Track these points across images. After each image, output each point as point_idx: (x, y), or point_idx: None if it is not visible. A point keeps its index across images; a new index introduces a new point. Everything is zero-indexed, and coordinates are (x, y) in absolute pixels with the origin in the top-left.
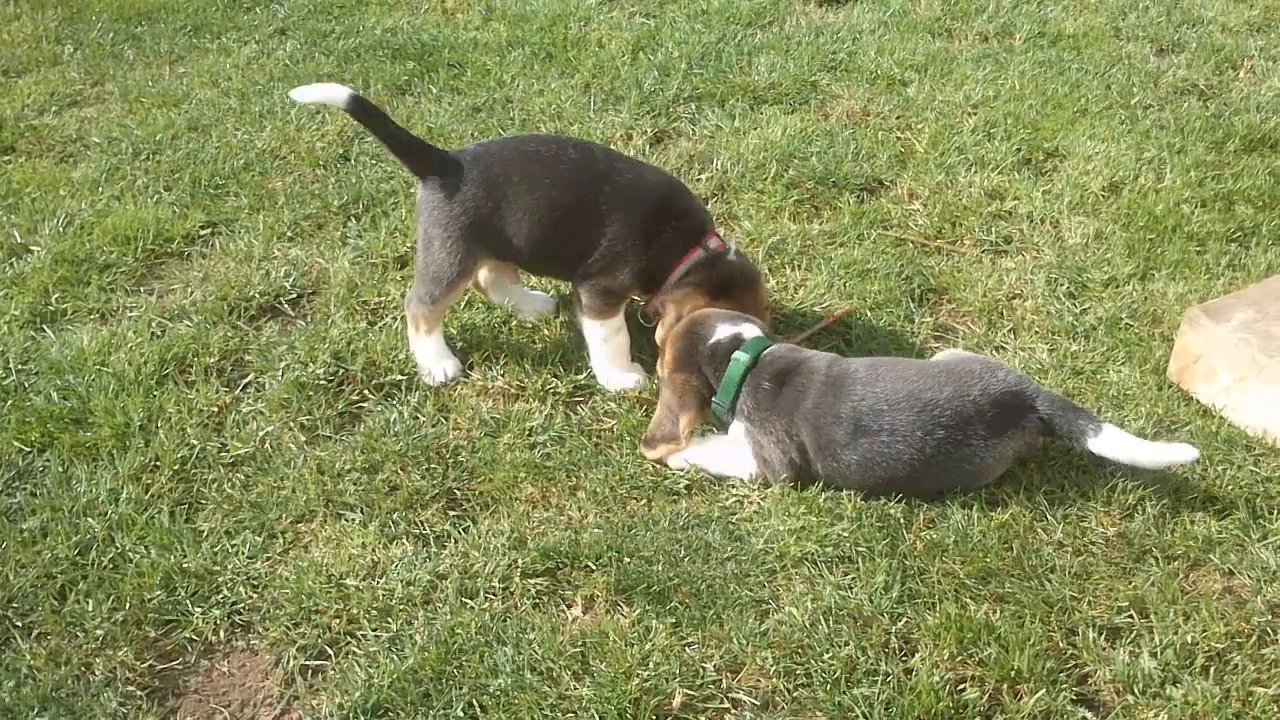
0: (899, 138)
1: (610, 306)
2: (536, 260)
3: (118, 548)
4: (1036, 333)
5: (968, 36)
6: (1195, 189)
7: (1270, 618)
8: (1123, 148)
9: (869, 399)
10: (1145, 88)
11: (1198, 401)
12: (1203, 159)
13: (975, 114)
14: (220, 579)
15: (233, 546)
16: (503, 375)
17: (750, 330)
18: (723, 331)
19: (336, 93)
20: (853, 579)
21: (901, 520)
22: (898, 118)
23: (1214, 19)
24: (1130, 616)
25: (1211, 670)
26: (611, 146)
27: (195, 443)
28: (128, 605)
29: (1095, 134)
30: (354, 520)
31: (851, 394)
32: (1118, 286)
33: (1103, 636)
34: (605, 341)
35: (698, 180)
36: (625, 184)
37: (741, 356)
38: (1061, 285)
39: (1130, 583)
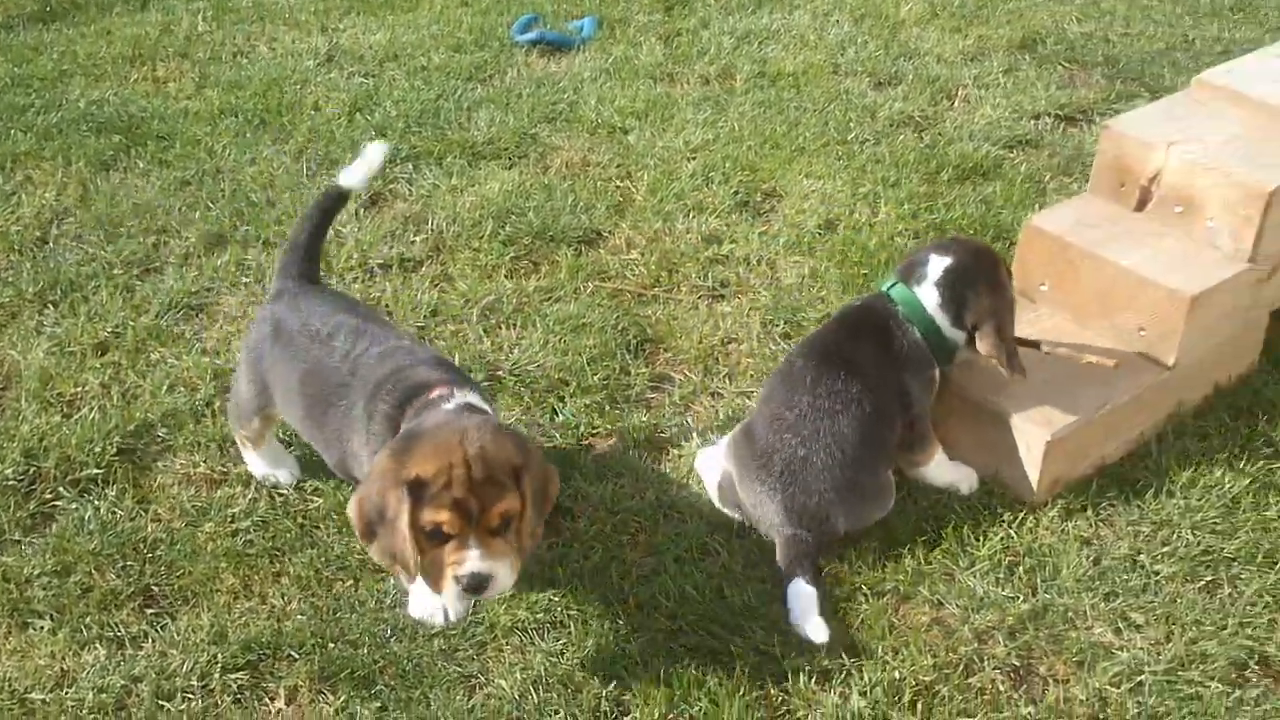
0: (618, 187)
1: None
2: None
3: None
4: (752, 376)
5: (689, 80)
6: (909, 221)
7: (977, 645)
8: (839, 184)
9: None
10: (862, 122)
11: None
12: (916, 190)
13: (694, 159)
14: None
15: None
16: (205, 461)
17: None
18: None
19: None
20: (564, 644)
21: (616, 578)
22: (617, 166)
23: (930, 50)
24: (841, 657)
25: (919, 705)
26: None
27: None
28: None
29: (812, 172)
30: (42, 628)
31: None
32: None
33: (814, 680)
34: None
35: (412, 242)
36: None
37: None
38: (777, 326)
39: (842, 622)
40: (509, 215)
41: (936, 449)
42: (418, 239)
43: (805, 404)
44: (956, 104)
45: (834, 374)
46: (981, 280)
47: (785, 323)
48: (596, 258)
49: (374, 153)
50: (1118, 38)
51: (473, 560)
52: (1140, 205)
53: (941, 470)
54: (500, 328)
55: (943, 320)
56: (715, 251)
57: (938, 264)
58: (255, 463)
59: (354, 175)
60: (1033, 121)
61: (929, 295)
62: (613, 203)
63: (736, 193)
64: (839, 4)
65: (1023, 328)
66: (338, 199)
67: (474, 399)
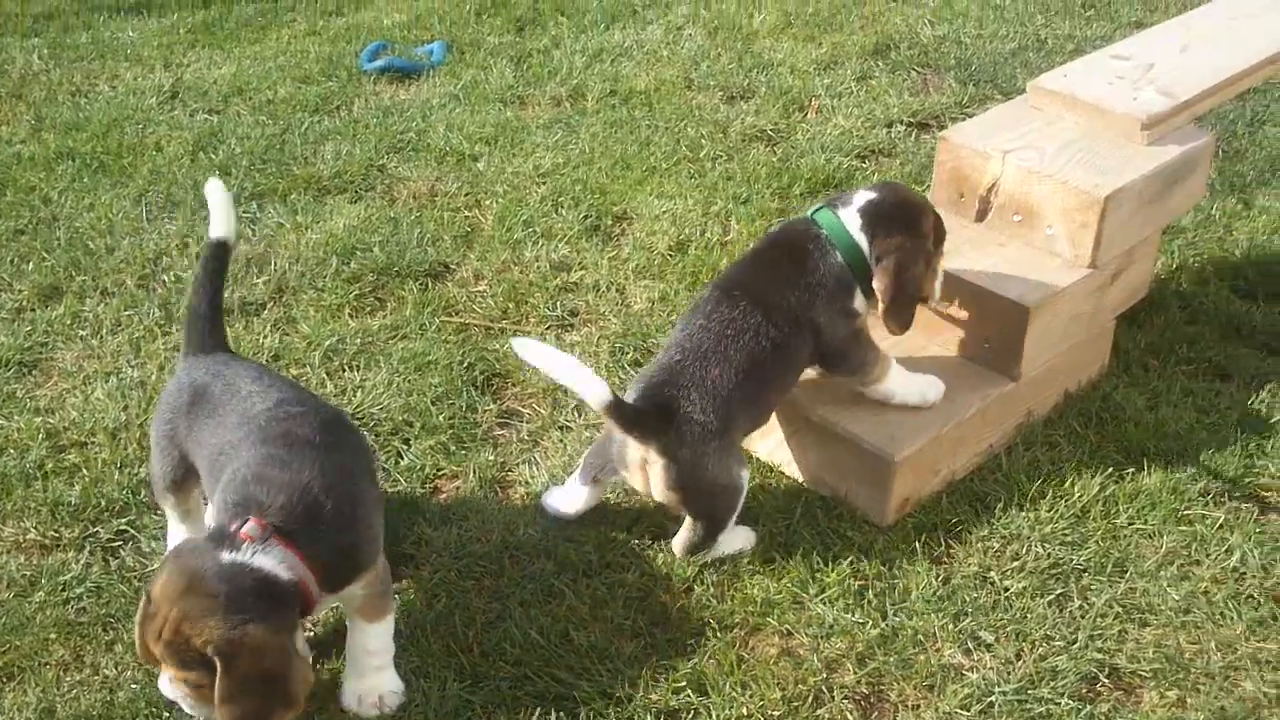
0: (466, 216)
1: None
2: None
3: None
4: None
5: (540, 102)
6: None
7: (826, 675)
8: (690, 204)
9: None
10: (714, 138)
11: (758, 459)
12: (768, 206)
13: (544, 183)
14: None
15: None
16: (36, 526)
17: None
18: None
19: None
20: (414, 697)
21: (460, 626)
22: (466, 195)
23: (783, 61)
24: (688, 696)
25: None
26: (164, 259)
27: None
28: None
29: (663, 192)
30: None
31: None
32: None
33: None
34: None
35: (254, 285)
36: None
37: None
38: (626, 354)
39: (689, 660)
40: (354, 251)
41: (887, 364)
42: (260, 281)
43: (698, 325)
44: (810, 115)
45: (734, 302)
46: (900, 218)
47: (635, 349)
48: (443, 291)
49: (214, 191)
50: (970, 39)
51: (162, 680)
52: (980, 215)
53: (904, 383)
54: (344, 369)
55: (866, 248)
56: (564, 279)
57: (864, 195)
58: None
59: (217, 224)
60: (885, 130)
61: (852, 219)
62: (461, 233)
63: (586, 217)
64: (693, 17)
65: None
66: (219, 252)
67: (266, 560)
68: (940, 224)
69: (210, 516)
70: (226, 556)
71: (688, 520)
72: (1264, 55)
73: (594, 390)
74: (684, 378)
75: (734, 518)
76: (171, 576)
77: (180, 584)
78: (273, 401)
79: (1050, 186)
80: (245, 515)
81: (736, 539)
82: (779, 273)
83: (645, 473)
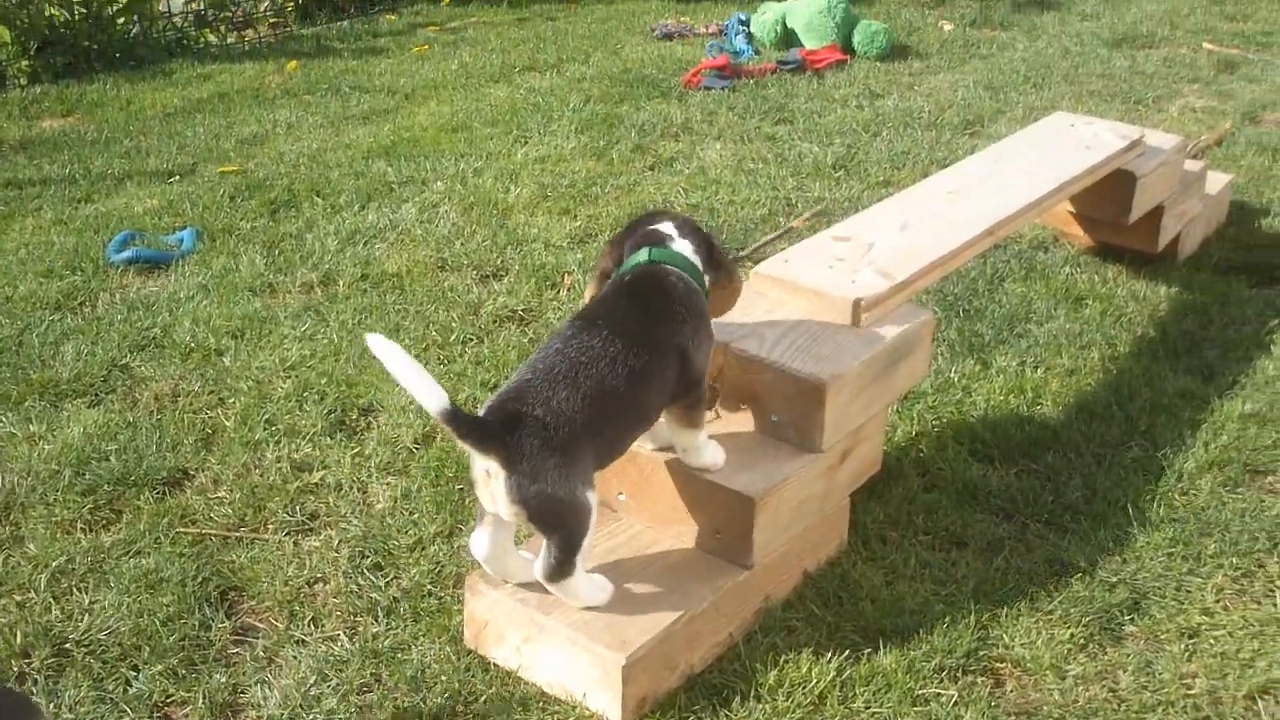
0: (208, 417)
1: None
2: None
3: None
4: (339, 617)
5: (291, 290)
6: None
7: None
8: None
9: None
10: (465, 321)
11: (496, 666)
12: None
13: (290, 378)
14: None
15: None
16: None
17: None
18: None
19: None
20: None
21: None
22: (209, 394)
23: (538, 236)
24: None
25: None
26: None
27: None
28: None
29: None
30: None
31: None
32: (424, 549)
33: None
34: None
35: None
36: None
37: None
38: (367, 558)
39: None
40: (89, 461)
41: (705, 420)
42: None
43: (553, 350)
44: (562, 292)
45: (596, 331)
46: (702, 231)
47: (376, 553)
48: (182, 500)
49: None
50: (723, 206)
51: None
52: (710, 404)
53: (703, 448)
54: (72, 591)
55: (701, 268)
56: (305, 480)
57: (668, 226)
58: None
59: None
60: None
61: (686, 249)
62: (202, 436)
63: (331, 412)
64: (448, 194)
65: (604, 539)
66: None
67: None
68: None
69: None
70: None
71: (544, 543)
72: (980, 230)
73: (432, 398)
74: (531, 395)
75: (586, 539)
76: None
77: None
78: None
79: (772, 375)
80: None
81: (594, 590)
82: (648, 308)
83: (490, 488)
